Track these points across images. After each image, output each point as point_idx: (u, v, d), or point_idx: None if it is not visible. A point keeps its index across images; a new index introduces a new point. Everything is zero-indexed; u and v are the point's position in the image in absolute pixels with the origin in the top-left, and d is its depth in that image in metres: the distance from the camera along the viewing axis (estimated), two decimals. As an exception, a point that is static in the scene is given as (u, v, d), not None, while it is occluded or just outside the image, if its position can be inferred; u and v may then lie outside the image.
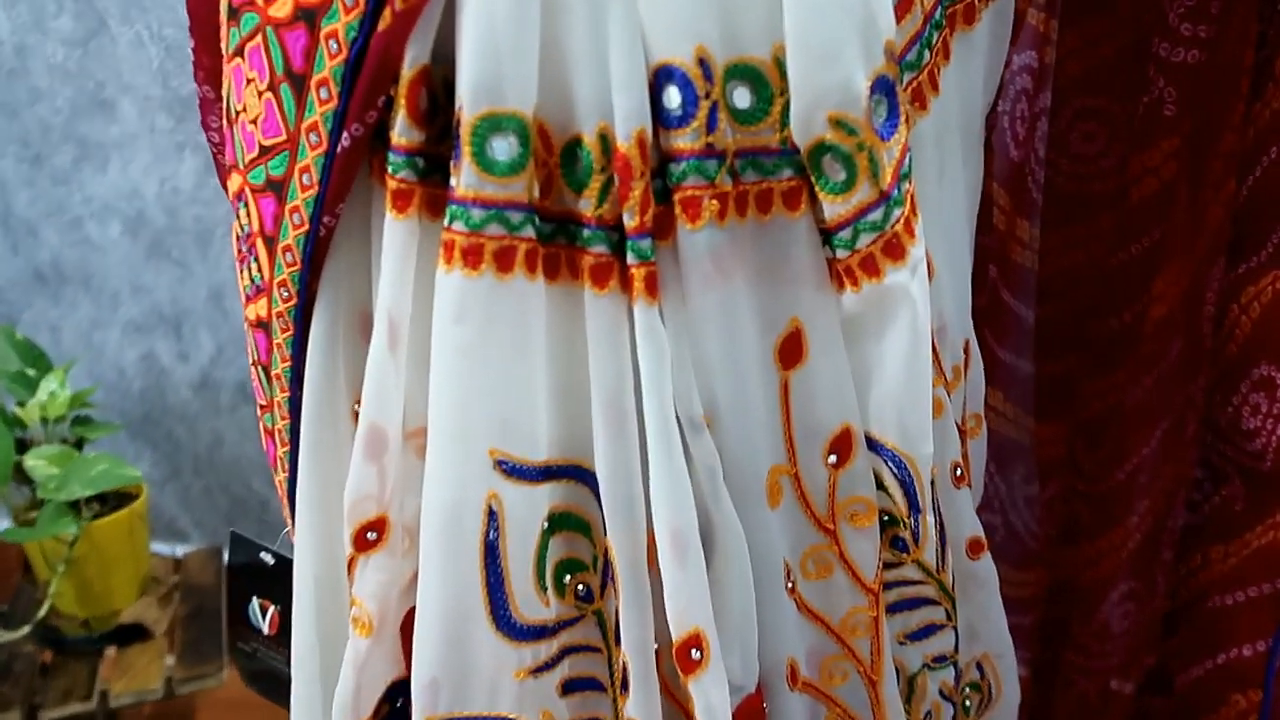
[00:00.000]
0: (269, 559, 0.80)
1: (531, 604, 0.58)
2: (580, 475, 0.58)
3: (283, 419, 0.72)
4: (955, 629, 0.69)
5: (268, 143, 0.64)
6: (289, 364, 0.68)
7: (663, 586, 0.53)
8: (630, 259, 0.55)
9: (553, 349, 0.54)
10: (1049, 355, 0.94)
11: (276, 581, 0.78)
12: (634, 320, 0.52)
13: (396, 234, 0.57)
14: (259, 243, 0.68)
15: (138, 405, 1.87)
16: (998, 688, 0.77)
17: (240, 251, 0.72)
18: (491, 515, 0.56)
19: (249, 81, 0.64)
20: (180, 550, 1.75)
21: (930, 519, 0.63)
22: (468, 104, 0.52)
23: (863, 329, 0.57)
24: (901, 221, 0.56)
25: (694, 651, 0.56)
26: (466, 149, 0.53)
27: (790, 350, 0.57)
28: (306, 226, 0.62)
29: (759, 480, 0.59)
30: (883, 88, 0.54)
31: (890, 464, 0.62)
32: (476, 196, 0.53)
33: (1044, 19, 0.88)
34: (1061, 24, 0.86)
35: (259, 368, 0.74)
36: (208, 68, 0.76)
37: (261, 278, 0.69)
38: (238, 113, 0.65)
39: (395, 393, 0.60)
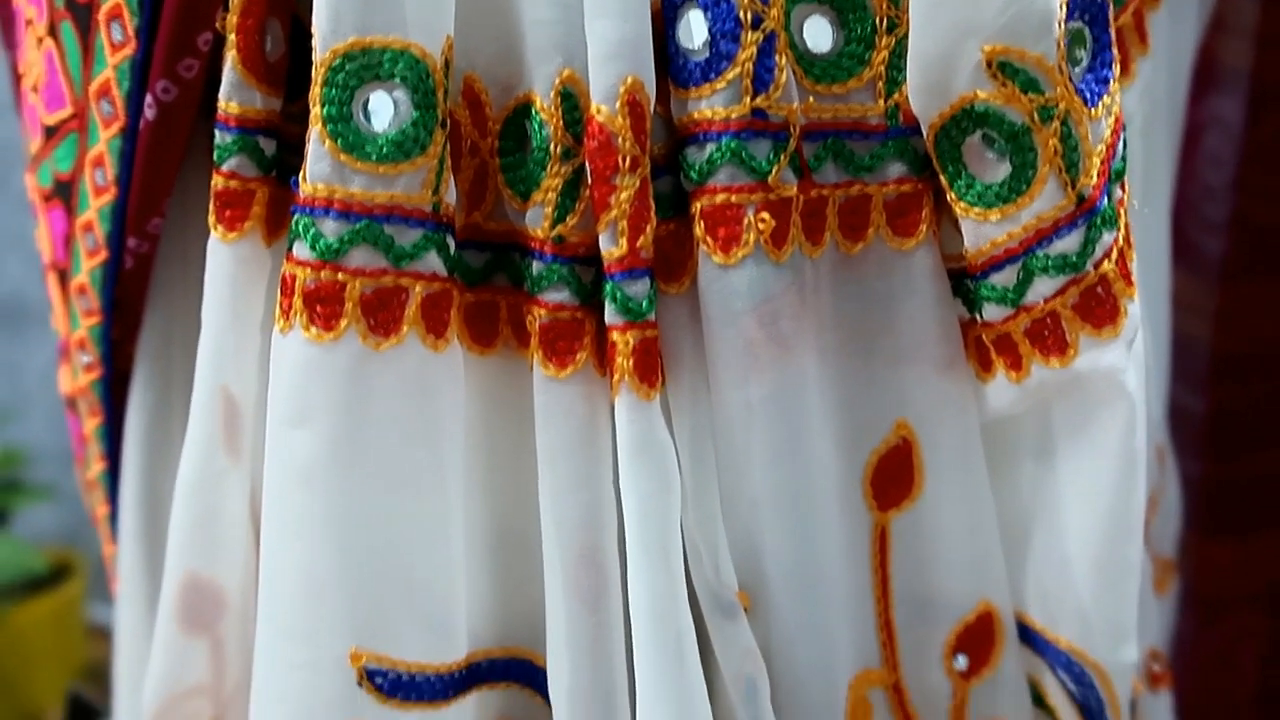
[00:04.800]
0: None
1: None
2: (527, 677, 0.38)
3: (108, 544, 0.48)
4: None
5: (51, 120, 0.40)
6: (104, 467, 0.44)
7: None
8: (612, 317, 0.30)
9: (480, 462, 0.35)
10: (1230, 456, 0.71)
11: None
12: (616, 423, 0.32)
13: (227, 265, 0.34)
14: (51, 277, 0.44)
15: (102, 460, 1.66)
16: None
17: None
18: (353, 773, 0.32)
19: (28, 25, 0.41)
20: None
21: (1128, 764, 0.37)
22: (322, 34, 0.29)
23: (1025, 443, 0.37)
24: (1114, 256, 0.30)
25: None
26: (317, 111, 0.29)
27: (893, 476, 0.37)
28: (104, 254, 0.38)
29: (832, 699, 0.36)
30: (1085, 7, 0.29)
31: (1062, 674, 0.37)
32: (333, 197, 0.29)
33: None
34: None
35: (80, 469, 0.50)
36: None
37: (60, 333, 0.45)
38: (24, 83, 0.42)
39: (235, 521, 0.36)
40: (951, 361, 0.35)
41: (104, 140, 0.38)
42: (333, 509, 0.32)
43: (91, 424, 0.45)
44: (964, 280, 0.34)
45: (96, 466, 0.46)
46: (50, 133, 0.41)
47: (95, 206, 0.39)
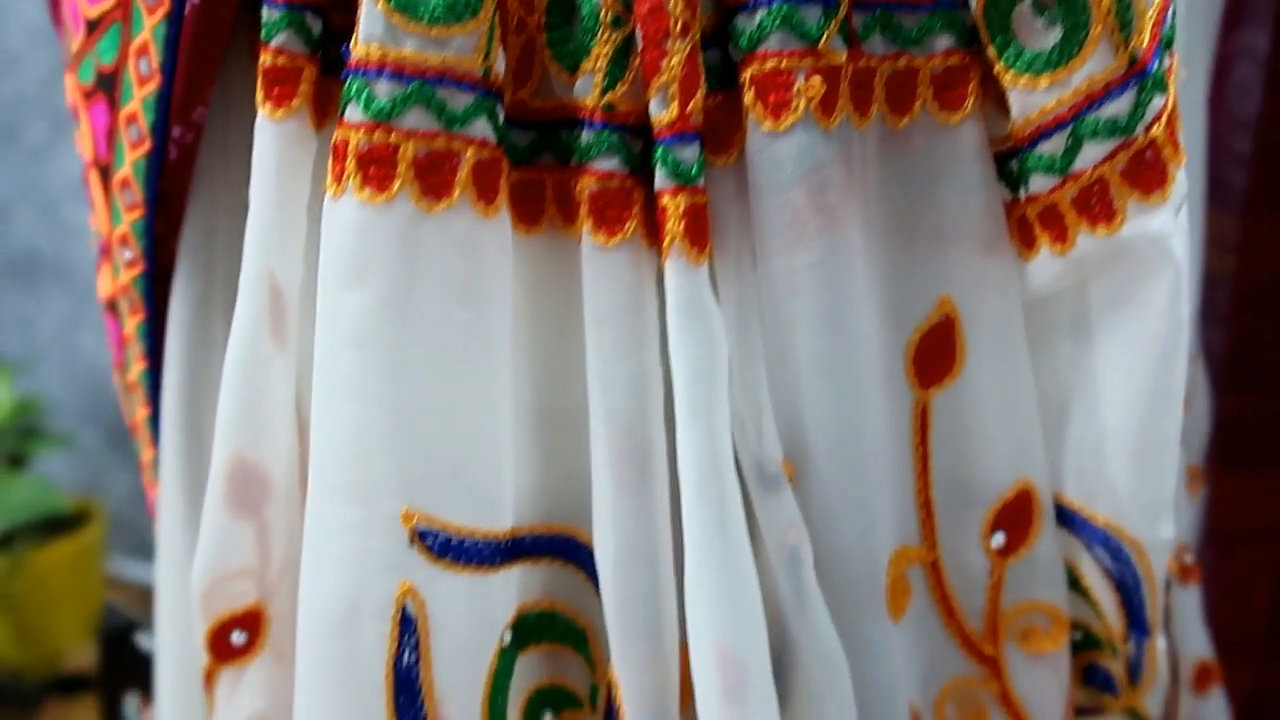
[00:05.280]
0: (148, 643, 0.57)
1: None
2: (570, 553, 0.38)
3: (148, 447, 0.48)
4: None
5: (94, 13, 0.40)
6: (145, 366, 0.44)
7: None
8: (662, 181, 0.30)
9: (525, 341, 0.35)
10: (1250, 390, 0.71)
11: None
12: (665, 291, 0.32)
13: (274, 144, 0.34)
14: (92, 175, 0.44)
15: (116, 412, 1.67)
16: None
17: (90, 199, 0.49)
18: (406, 624, 0.33)
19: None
20: (140, 615, 1.53)
21: (1160, 644, 0.37)
22: None
23: (1061, 324, 0.37)
24: (1164, 121, 0.31)
25: None
26: (370, -26, 0.30)
27: (935, 354, 0.37)
28: (148, 144, 0.39)
29: (874, 573, 0.36)
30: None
31: (1099, 550, 0.37)
32: (386, 58, 0.30)
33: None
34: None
35: (118, 374, 0.51)
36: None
37: (101, 233, 0.45)
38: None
39: (281, 407, 0.35)
40: (994, 240, 0.35)
41: (148, 28, 0.38)
42: (384, 369, 0.32)
43: (133, 322, 0.45)
44: (1007, 162, 0.35)
45: (137, 367, 0.46)
46: (93, 26, 0.41)
47: (139, 97, 0.39)
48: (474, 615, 0.34)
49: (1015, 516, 0.37)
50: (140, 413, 0.48)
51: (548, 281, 0.35)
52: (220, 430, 0.38)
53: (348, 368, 0.32)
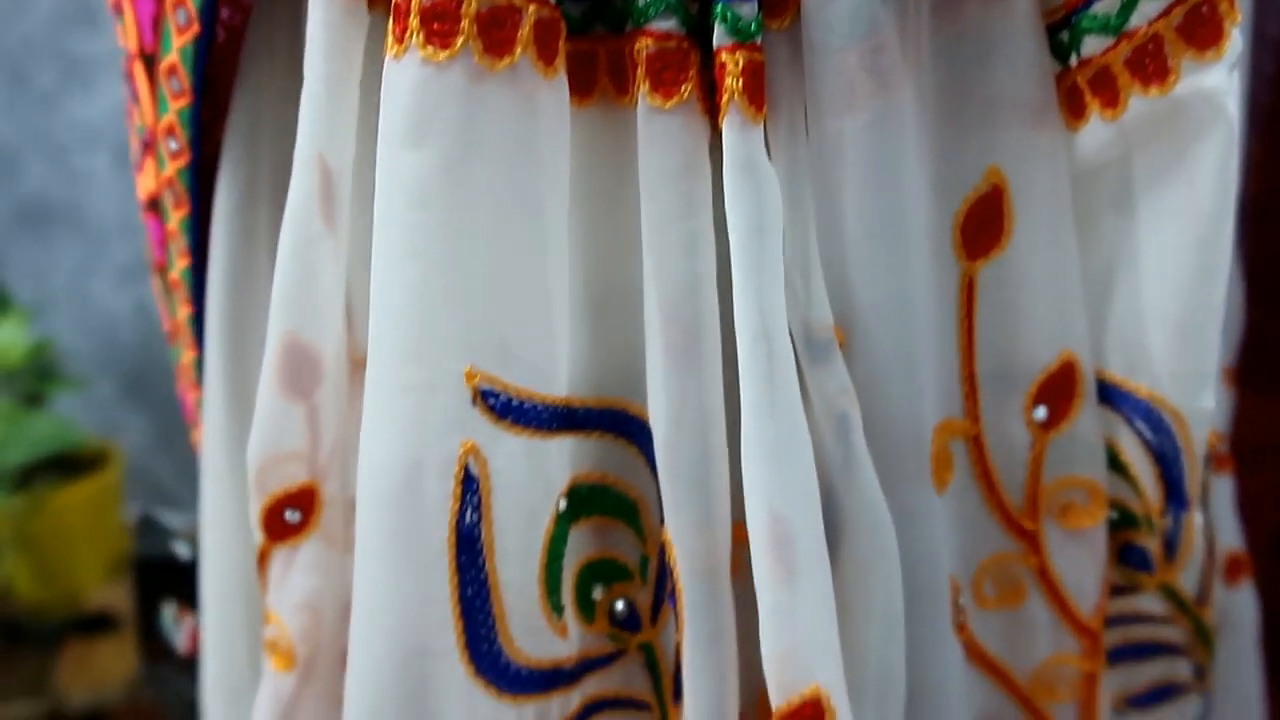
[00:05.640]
0: (185, 551, 0.57)
1: (536, 633, 0.36)
2: (621, 426, 0.38)
3: (189, 349, 0.49)
4: (1208, 698, 0.44)
5: (139, -107, 0.40)
6: (189, 263, 0.45)
7: (755, 611, 0.33)
8: (721, 37, 0.31)
9: (578, 215, 0.35)
10: (1266, 306, 0.69)
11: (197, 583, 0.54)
12: (720, 155, 0.32)
13: (327, 21, 0.35)
14: (136, 67, 0.44)
15: (131, 360, 1.67)
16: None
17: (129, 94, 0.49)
18: (468, 483, 0.33)
19: None
20: (177, 524, 1.54)
21: (1198, 519, 0.38)
22: None
23: (1108, 191, 0.37)
24: (1219, -25, 0.31)
25: None
26: None
27: (983, 225, 0.37)
28: (196, 28, 0.39)
29: (919, 441, 0.37)
30: None
31: (1140, 423, 0.37)
32: (447, -83, 0.30)
33: None
34: None
35: (158, 276, 0.51)
36: None
37: (145, 125, 0.45)
38: None
39: (332, 289, 0.36)
40: (1044, 112, 0.35)
41: (196, -99, 0.38)
42: (445, 228, 0.32)
43: (177, 216, 0.45)
44: (1058, 33, 0.35)
45: (180, 264, 0.47)
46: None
47: (187, -24, 0.39)
48: (533, 478, 0.35)
49: (1058, 389, 0.38)
50: (182, 312, 0.49)
51: (601, 154, 0.36)
52: (274, 310, 0.38)
53: (408, 228, 0.32)
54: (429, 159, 0.32)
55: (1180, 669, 0.44)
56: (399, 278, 0.33)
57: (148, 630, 0.59)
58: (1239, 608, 0.48)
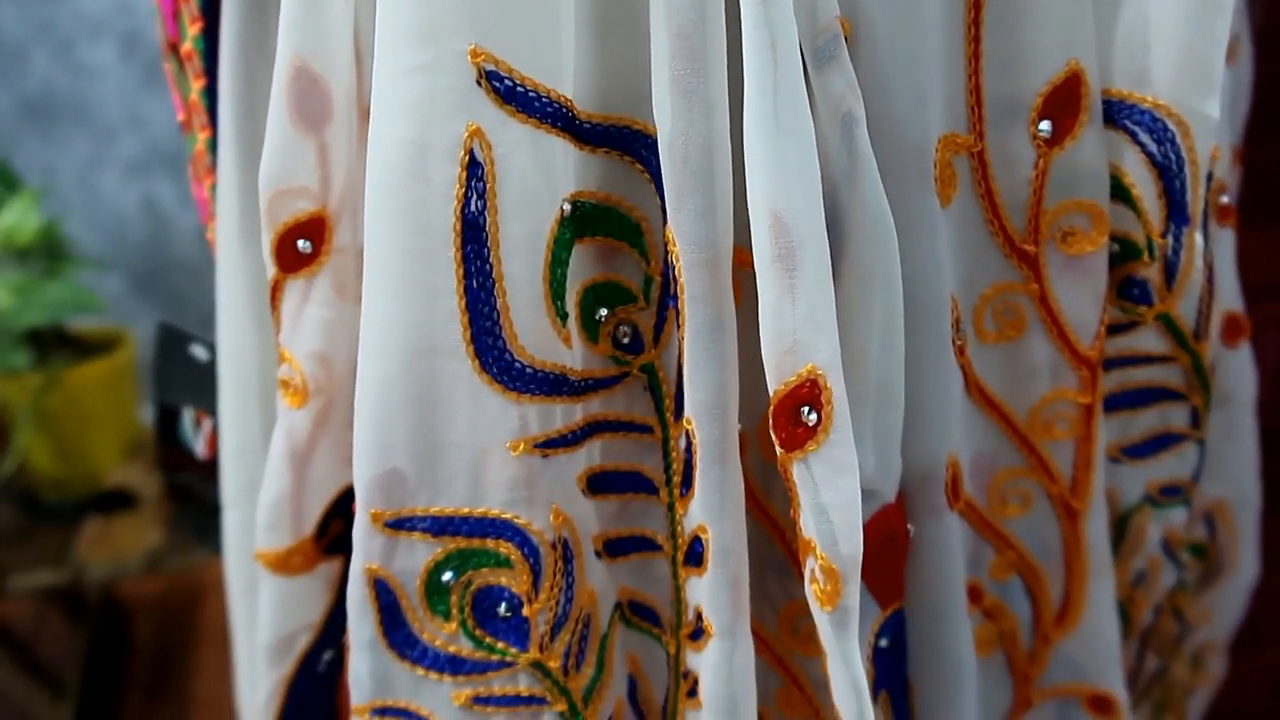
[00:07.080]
0: (203, 354, 0.56)
1: (539, 333, 0.36)
2: (627, 143, 0.38)
3: (202, 130, 0.49)
4: (1202, 444, 0.44)
5: None
6: (201, 27, 0.44)
7: (755, 313, 0.33)
8: None
9: None
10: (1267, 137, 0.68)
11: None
12: None
13: None
14: None
15: (139, 257, 1.68)
16: (1231, 554, 0.53)
17: None
18: (473, 168, 0.33)
19: None
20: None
21: (1199, 240, 0.38)
22: None
23: None
24: None
25: (805, 411, 0.32)
26: None
27: None
28: None
29: (923, 145, 0.37)
30: None
31: (1143, 136, 0.37)
32: None
33: None
34: None
35: (170, 56, 0.51)
36: None
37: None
38: None
39: (339, 22, 0.37)
40: None
41: None
42: None
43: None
44: None
45: (192, 30, 0.46)
46: None
47: None
48: (538, 171, 0.35)
49: (1063, 101, 0.37)
50: (195, 86, 0.49)
51: None
52: (282, 34, 0.38)
53: None
54: None
55: (1177, 416, 0.44)
56: None
57: (166, 438, 0.60)
58: (1236, 371, 0.48)
